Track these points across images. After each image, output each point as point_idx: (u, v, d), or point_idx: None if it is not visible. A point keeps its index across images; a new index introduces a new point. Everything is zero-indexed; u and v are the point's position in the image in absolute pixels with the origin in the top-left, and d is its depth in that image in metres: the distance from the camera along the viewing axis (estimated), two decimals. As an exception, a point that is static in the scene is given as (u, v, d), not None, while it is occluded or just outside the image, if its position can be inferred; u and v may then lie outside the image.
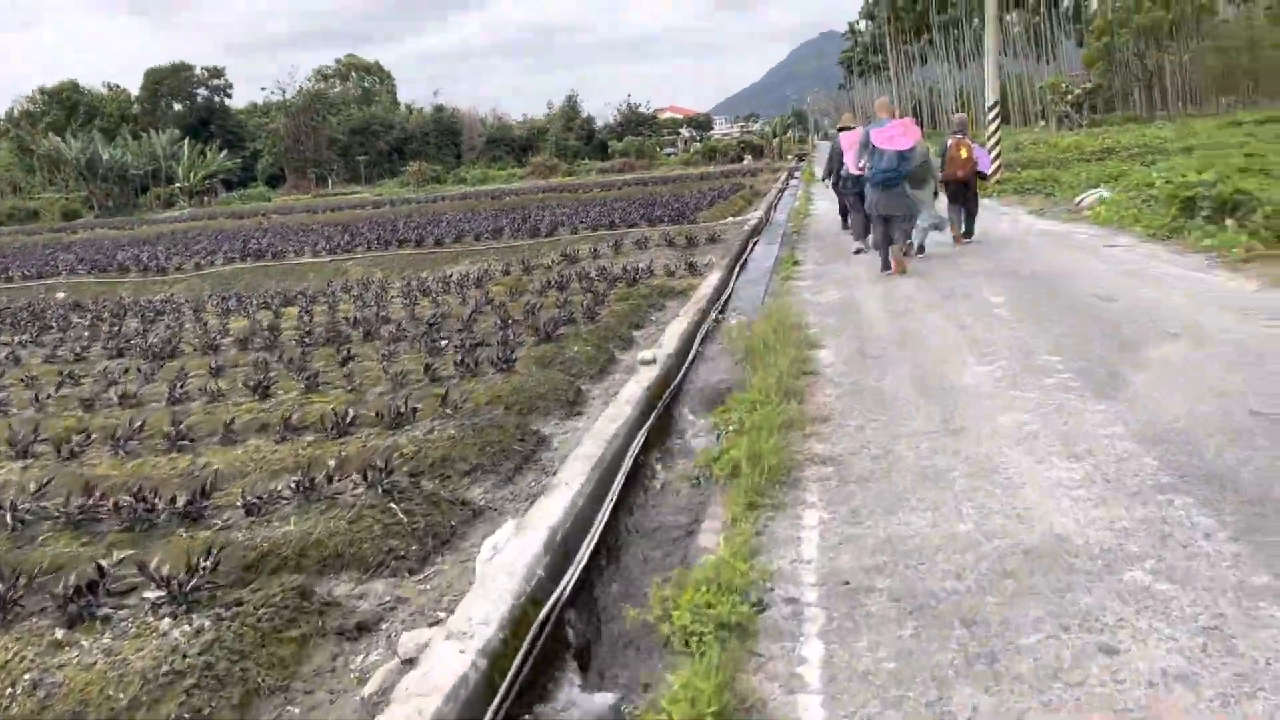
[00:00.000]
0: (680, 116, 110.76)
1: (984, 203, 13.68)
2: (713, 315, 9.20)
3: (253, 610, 3.33)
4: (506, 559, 3.62)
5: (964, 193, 11.84)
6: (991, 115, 19.87)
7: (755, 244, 15.74)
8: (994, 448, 4.59)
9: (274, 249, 19.16)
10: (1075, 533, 3.58)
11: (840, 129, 13.05)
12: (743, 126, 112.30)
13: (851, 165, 11.28)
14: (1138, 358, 5.85)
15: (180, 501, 4.61)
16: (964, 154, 11.56)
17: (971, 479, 4.23)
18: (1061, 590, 3.17)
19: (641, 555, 4.15)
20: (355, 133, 76.93)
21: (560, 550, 3.85)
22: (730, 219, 18.45)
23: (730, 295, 10.80)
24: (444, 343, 8.17)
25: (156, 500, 4.59)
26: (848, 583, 3.41)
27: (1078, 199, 15.04)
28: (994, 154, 20.02)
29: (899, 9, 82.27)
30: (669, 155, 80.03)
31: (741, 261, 13.35)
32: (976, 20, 79.91)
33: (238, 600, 3.45)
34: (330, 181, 74.25)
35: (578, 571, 3.80)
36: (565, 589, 3.62)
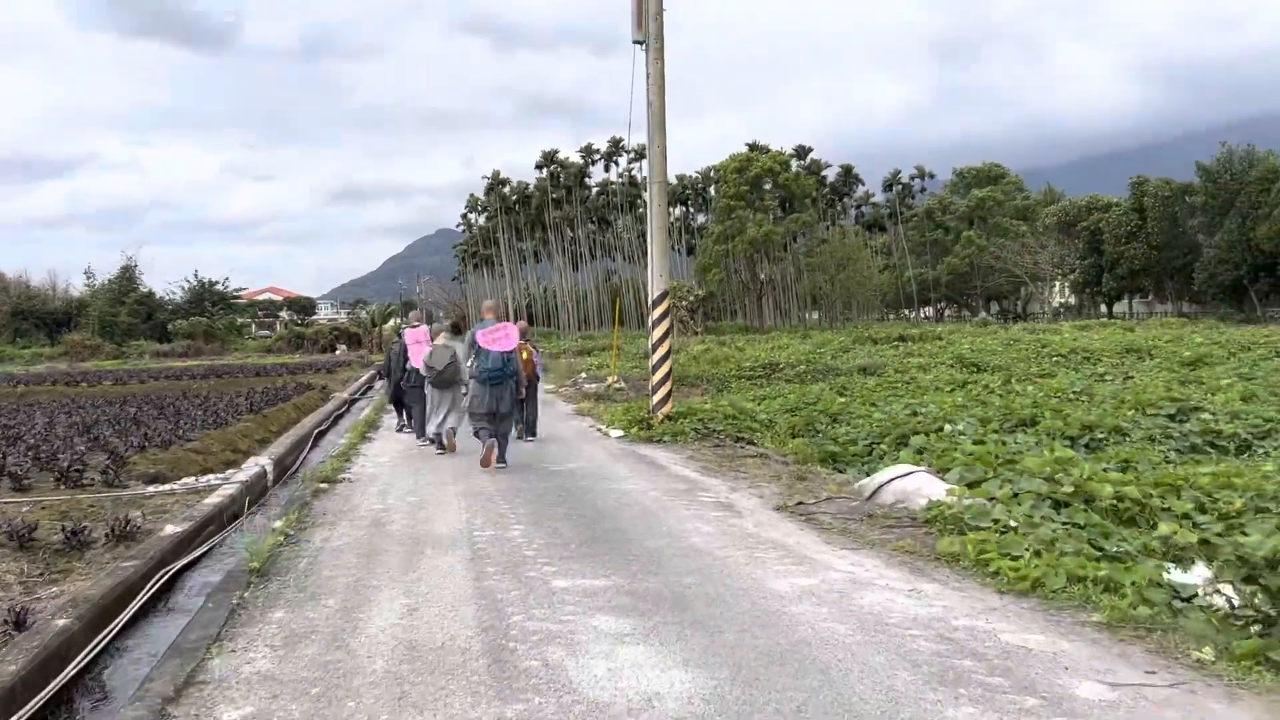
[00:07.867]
0: (280, 299, 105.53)
1: (687, 476, 9.37)
2: None
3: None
4: None
5: (527, 392, 11.82)
6: (659, 312, 12.92)
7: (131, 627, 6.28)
8: None
9: None
10: None
11: (410, 328, 13.03)
12: (349, 313, 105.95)
13: (415, 361, 11.96)
14: None
15: None
16: (525, 355, 11.53)
17: None
18: None
19: None
20: None
21: None
22: (179, 487, 8.83)
23: None
24: None
25: None
26: None
27: (864, 484, 7.71)
28: (664, 369, 12.98)
29: (509, 205, 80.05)
30: (257, 339, 70.60)
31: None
32: (590, 224, 79.61)
33: None
34: None
35: None
36: None
